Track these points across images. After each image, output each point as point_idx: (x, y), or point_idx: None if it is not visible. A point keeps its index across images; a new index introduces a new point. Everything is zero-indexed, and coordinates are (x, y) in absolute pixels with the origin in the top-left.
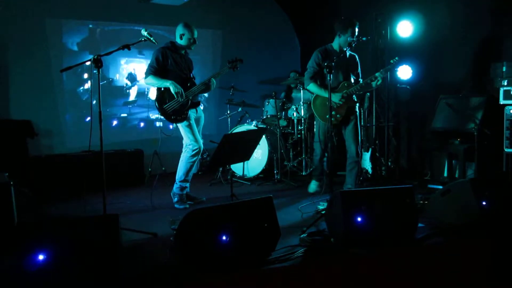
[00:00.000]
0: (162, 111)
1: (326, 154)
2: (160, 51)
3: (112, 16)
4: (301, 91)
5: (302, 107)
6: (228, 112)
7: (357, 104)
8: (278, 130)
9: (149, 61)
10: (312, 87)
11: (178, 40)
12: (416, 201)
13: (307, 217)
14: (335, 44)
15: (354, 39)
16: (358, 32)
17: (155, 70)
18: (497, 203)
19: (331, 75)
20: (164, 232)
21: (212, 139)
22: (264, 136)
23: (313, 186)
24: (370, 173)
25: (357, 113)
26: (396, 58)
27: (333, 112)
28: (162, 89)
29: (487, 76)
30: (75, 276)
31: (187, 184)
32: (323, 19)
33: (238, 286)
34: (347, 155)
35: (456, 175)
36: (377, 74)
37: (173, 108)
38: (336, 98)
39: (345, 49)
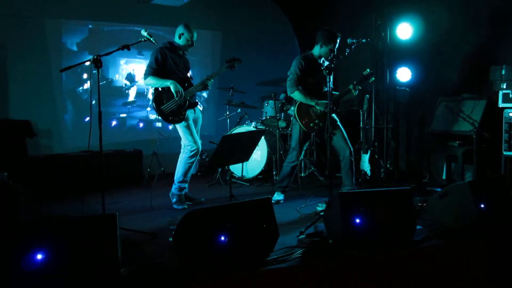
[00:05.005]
0: (159, 112)
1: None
2: (159, 51)
3: (112, 17)
4: None
5: None
6: (227, 113)
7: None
8: (277, 131)
9: (147, 62)
10: (297, 94)
11: (176, 40)
12: (415, 203)
13: (305, 218)
14: (316, 52)
15: (335, 52)
16: (338, 45)
17: (154, 71)
18: (495, 205)
19: (317, 84)
20: (162, 233)
21: (211, 139)
22: (263, 137)
23: (277, 197)
24: (369, 175)
25: (337, 118)
26: (368, 70)
27: (316, 121)
28: (160, 89)
29: (486, 79)
30: (73, 276)
31: (186, 185)
32: (323, 21)
33: (236, 287)
34: (340, 157)
35: (455, 178)
36: (350, 87)
37: (170, 108)
38: (322, 106)
39: (323, 59)
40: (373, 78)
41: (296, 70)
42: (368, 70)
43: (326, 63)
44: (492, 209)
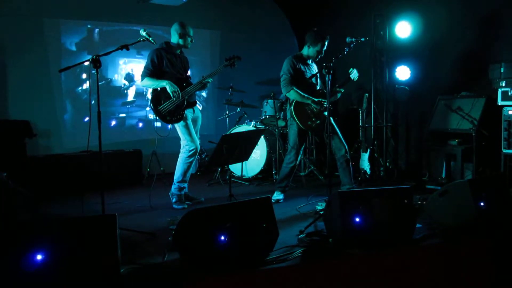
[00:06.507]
0: (157, 112)
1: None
2: (155, 52)
3: (111, 16)
4: None
5: None
6: (227, 112)
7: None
8: (276, 130)
9: (145, 63)
10: (293, 93)
11: (174, 40)
12: (414, 201)
13: (305, 217)
14: (304, 52)
15: (322, 54)
16: (326, 47)
17: (150, 72)
18: (494, 204)
19: (309, 83)
20: (162, 232)
21: (210, 139)
22: (262, 137)
23: (276, 196)
24: (369, 173)
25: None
26: (351, 69)
27: (313, 118)
28: (158, 89)
29: (485, 77)
30: (73, 276)
31: (185, 185)
32: (322, 20)
33: (236, 286)
34: (336, 156)
35: (454, 176)
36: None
37: (168, 109)
38: (319, 104)
39: (311, 60)
40: (357, 74)
41: (289, 69)
42: (351, 69)
43: (313, 64)
44: (491, 207)
